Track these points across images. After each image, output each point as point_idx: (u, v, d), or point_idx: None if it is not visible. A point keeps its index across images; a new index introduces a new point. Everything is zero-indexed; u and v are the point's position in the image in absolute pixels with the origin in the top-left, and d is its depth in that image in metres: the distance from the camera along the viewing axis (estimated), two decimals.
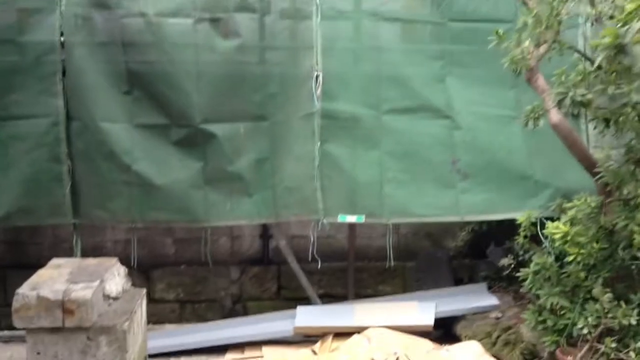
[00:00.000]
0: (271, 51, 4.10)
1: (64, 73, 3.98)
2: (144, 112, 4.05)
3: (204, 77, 4.02)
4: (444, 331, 4.05)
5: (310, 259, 4.22)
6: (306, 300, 4.51)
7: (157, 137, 4.06)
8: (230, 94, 4.06)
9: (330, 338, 3.93)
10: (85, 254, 4.18)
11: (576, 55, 3.35)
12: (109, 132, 4.02)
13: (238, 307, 4.90)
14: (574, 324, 2.95)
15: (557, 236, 2.99)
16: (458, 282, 4.65)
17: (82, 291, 2.77)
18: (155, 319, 4.63)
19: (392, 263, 4.15)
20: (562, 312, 3.06)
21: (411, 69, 4.11)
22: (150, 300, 4.67)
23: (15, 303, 2.69)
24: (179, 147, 4.07)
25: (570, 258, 2.99)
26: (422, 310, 4.02)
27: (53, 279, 2.89)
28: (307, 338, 4.06)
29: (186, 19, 4.02)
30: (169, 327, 4.59)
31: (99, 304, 2.86)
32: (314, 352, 3.86)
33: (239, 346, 4.04)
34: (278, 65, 4.09)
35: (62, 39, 3.97)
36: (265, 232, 4.94)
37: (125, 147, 4.04)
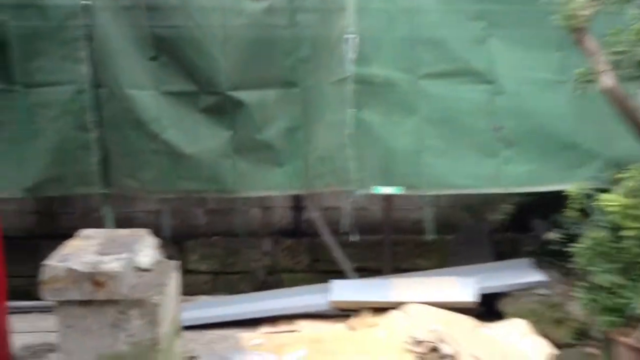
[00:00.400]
0: (301, 13, 3.95)
1: (88, 38, 3.93)
2: (171, 78, 4.00)
3: (232, 41, 3.93)
4: (487, 308, 3.95)
5: (343, 231, 4.15)
6: (340, 274, 4.46)
7: (185, 104, 4.01)
8: (259, 59, 3.96)
9: (367, 313, 3.87)
10: (117, 224, 4.22)
11: (630, 13, 3.12)
12: (135, 100, 3.99)
13: (271, 280, 4.88)
14: (630, 303, 2.81)
15: (613, 209, 2.83)
16: (500, 256, 4.52)
17: (111, 263, 2.74)
18: (188, 290, 4.64)
19: (430, 236, 4.07)
20: (617, 290, 2.92)
21: (449, 30, 3.94)
22: (185, 271, 4.70)
23: (44, 275, 2.67)
24: (207, 115, 4.02)
25: (628, 233, 2.82)
26: (463, 285, 3.92)
27: (82, 251, 2.87)
28: (341, 312, 4.01)
29: None
30: (202, 298, 4.60)
31: (130, 277, 2.83)
32: (351, 328, 3.81)
33: (272, 319, 4.02)
34: (309, 28, 3.96)
35: (85, 2, 3.90)
36: (297, 203, 4.87)
37: (152, 115, 4.00)
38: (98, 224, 4.14)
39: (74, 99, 3.97)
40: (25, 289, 3.61)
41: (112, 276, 2.68)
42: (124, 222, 4.38)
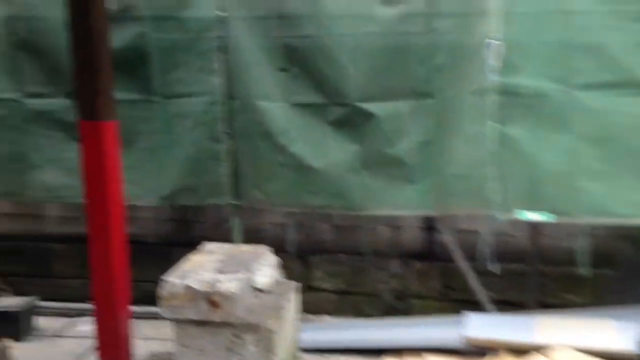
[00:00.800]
0: (439, 18, 3.73)
1: (222, 50, 4.02)
2: (301, 90, 3.98)
3: (362, 50, 3.83)
4: None
5: (481, 258, 3.89)
6: (476, 305, 4.17)
7: (313, 116, 3.98)
8: (391, 69, 3.82)
9: (505, 354, 3.54)
10: (245, 235, 4.31)
11: None
12: (265, 111, 4.02)
13: (399, 304, 4.67)
14: None
15: None
16: None
17: (228, 283, 2.74)
18: (312, 308, 4.62)
19: (584, 269, 3.70)
20: None
21: (610, 34, 3.52)
22: (308, 287, 4.69)
23: (162, 291, 2.72)
24: (335, 128, 3.96)
25: None
26: (621, 330, 3.46)
27: (202, 267, 2.90)
28: (475, 350, 3.69)
29: None
30: (325, 319, 4.54)
31: (247, 298, 2.81)
32: None
33: (397, 351, 3.81)
34: (447, 34, 3.73)
35: (221, 13, 4.00)
36: (429, 224, 4.62)
37: (281, 127, 4.02)
38: (228, 233, 4.28)
39: (208, 110, 4.10)
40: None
41: (227, 297, 2.67)
42: (251, 233, 4.48)
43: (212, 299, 2.66)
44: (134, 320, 4.11)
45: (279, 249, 4.56)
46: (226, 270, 2.85)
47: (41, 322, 4.40)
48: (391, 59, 3.80)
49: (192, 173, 4.18)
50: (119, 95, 4.04)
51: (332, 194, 4.00)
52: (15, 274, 4.98)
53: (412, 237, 4.71)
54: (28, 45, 4.23)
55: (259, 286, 2.92)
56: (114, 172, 2.94)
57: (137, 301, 4.00)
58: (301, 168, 4.00)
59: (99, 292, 3.09)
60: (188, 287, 2.68)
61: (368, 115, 3.87)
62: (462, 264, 4.22)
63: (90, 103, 2.81)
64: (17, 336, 4.08)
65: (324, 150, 3.97)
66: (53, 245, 4.97)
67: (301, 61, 3.94)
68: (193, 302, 2.67)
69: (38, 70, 4.25)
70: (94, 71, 2.81)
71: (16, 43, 4.24)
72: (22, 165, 4.37)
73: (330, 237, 4.80)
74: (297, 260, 4.67)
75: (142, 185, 4.24)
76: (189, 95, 4.11)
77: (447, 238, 4.28)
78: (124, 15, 4.09)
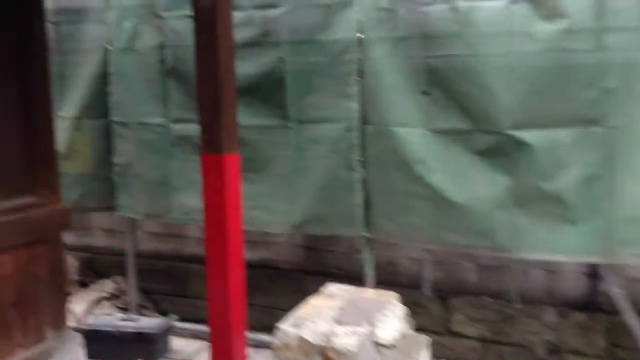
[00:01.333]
0: (610, 33, 3.20)
1: (359, 73, 3.80)
2: (443, 115, 3.63)
3: (517, 71, 3.39)
4: None
5: None
6: None
7: (456, 145, 3.60)
8: (550, 92, 3.34)
9: None
10: (378, 268, 4.04)
11: None
12: (402, 138, 3.72)
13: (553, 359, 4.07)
14: None
15: None
16: None
17: (346, 338, 2.46)
18: (451, 354, 4.22)
19: None
20: None
21: None
22: (448, 332, 4.30)
23: (276, 340, 2.52)
24: (481, 158, 3.55)
25: None
26: None
27: (320, 315, 2.66)
28: None
29: (498, 0, 3.40)
30: None
31: (366, 354, 2.50)
32: None
33: None
34: (620, 52, 3.18)
35: (360, 35, 3.78)
36: (593, 270, 3.98)
37: (418, 155, 3.69)
38: (360, 265, 4.04)
39: (343, 136, 3.90)
40: None
41: (344, 354, 2.39)
42: (385, 266, 4.23)
43: (327, 355, 2.40)
44: (261, 348, 4.00)
45: (414, 287, 4.24)
46: (345, 320, 2.58)
47: (176, 343, 4.44)
48: (551, 81, 3.33)
49: (324, 202, 3.99)
50: (255, 120, 4.06)
51: (476, 232, 3.58)
52: (158, 292, 5.16)
53: (572, 283, 4.09)
54: (174, 72, 4.35)
55: (381, 341, 2.60)
56: (233, 204, 2.81)
57: (267, 328, 3.89)
58: (440, 201, 3.63)
59: (215, 320, 2.95)
60: (302, 339, 2.45)
61: (521, 145, 3.42)
62: (632, 319, 3.59)
63: (212, 136, 2.72)
64: (152, 357, 4.13)
65: (468, 182, 3.58)
66: (191, 266, 5.06)
67: (444, 84, 3.60)
68: (306, 356, 2.43)
69: (183, 96, 4.34)
70: (217, 105, 2.70)
71: (164, 70, 4.38)
72: (166, 188, 4.50)
73: (474, 277, 4.33)
74: (436, 300, 4.29)
75: (274, 212, 4.15)
76: (324, 120, 3.94)
77: (615, 288, 3.64)
78: (264, 41, 4.03)
